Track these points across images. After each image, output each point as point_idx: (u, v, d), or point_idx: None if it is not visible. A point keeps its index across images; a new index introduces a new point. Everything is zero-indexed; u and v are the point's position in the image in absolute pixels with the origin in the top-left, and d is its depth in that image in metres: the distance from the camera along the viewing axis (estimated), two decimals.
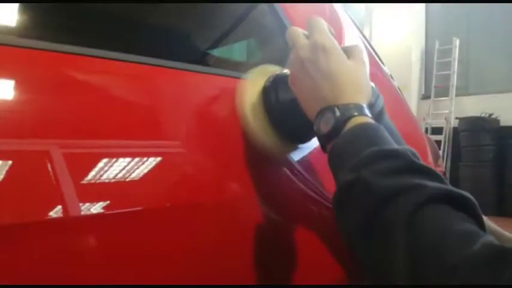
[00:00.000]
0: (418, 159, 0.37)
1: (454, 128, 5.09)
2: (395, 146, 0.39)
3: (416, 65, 5.66)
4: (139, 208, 0.39)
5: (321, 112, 0.42)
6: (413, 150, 0.38)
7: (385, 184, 0.34)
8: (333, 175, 0.41)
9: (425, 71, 5.63)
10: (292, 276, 0.51)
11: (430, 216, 0.32)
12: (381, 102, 0.53)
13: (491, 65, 5.05)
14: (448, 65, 5.29)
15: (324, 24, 0.45)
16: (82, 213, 0.36)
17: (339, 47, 0.44)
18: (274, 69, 0.53)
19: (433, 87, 5.40)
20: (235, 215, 0.47)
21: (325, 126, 0.41)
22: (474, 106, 5.05)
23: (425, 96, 5.61)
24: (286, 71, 0.50)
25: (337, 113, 0.41)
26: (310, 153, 0.56)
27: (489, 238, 0.31)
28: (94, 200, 0.37)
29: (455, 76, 5.24)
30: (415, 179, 0.34)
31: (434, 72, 5.43)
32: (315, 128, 0.43)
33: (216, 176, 0.46)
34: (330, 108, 0.41)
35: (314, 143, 0.51)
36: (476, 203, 0.34)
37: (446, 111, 5.23)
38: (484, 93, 5.06)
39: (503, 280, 0.27)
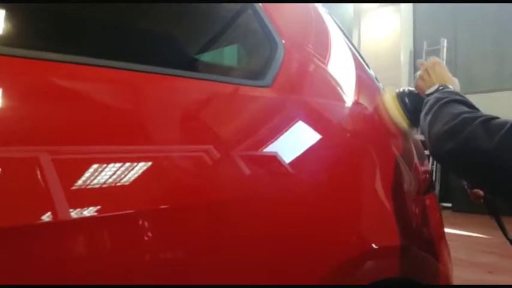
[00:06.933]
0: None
1: None
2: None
3: (405, 66, 5.71)
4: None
5: (431, 86, 0.89)
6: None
7: (439, 95, 0.83)
8: (423, 106, 0.85)
9: (414, 72, 5.69)
10: None
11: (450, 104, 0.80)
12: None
13: (480, 65, 5.11)
14: None
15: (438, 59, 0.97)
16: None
17: (445, 67, 0.94)
18: (392, 88, 1.01)
19: None
20: None
21: (430, 90, 0.88)
22: None
23: None
24: (404, 88, 1.00)
25: (439, 85, 0.88)
26: None
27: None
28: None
29: None
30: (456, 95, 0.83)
31: None
32: (425, 93, 0.89)
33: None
34: (436, 84, 0.89)
35: None
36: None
37: None
38: (472, 93, 5.10)
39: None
